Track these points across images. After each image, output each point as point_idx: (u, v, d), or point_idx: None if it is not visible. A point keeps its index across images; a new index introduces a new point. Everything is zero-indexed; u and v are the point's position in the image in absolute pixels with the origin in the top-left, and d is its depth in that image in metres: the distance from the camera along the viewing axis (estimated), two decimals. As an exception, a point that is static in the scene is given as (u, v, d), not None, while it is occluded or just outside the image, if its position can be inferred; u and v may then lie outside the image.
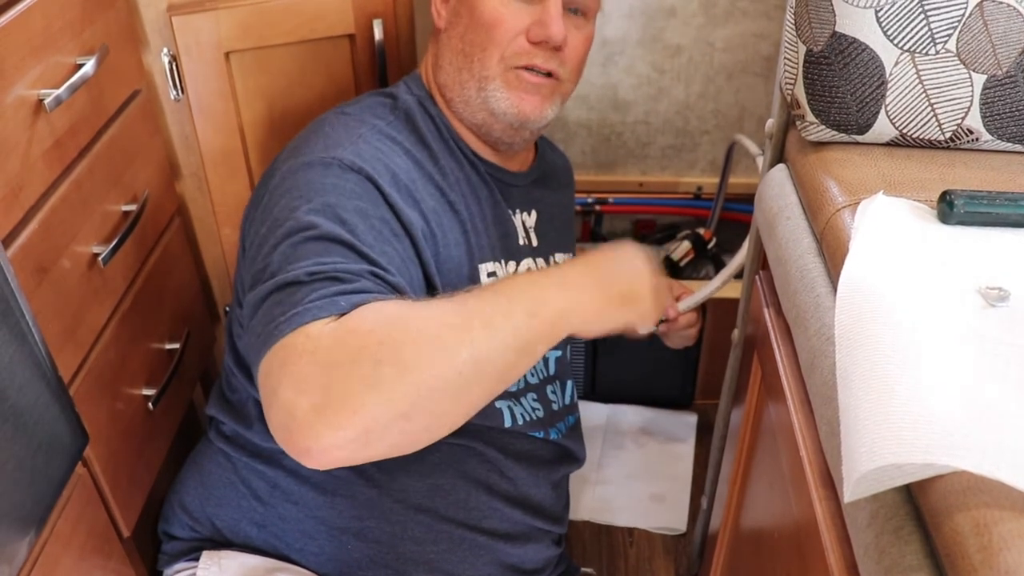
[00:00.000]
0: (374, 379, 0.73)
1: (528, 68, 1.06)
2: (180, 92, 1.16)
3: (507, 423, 1.09)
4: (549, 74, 1.07)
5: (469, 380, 0.77)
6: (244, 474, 1.09)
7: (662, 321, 1.28)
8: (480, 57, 1.06)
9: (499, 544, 1.10)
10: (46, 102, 0.86)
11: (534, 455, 1.15)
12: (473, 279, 1.05)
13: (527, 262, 1.15)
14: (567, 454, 1.22)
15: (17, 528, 0.78)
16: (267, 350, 0.78)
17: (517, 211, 1.16)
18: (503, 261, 1.10)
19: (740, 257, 1.19)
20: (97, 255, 0.97)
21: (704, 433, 1.70)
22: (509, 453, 1.11)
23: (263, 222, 0.92)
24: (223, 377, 1.14)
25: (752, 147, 1.40)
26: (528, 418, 1.13)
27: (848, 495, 0.52)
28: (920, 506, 0.52)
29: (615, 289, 0.90)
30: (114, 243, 0.99)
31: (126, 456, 1.04)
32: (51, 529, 0.85)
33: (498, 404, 1.09)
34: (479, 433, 1.07)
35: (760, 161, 1.21)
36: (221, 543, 1.10)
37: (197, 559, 1.08)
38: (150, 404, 1.10)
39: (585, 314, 0.87)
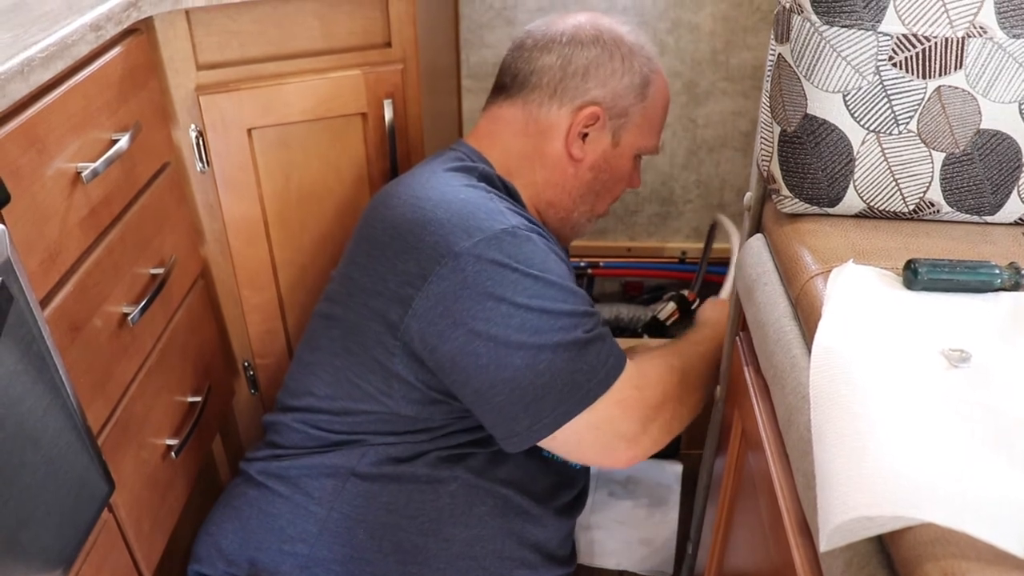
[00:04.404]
0: None
1: None
2: (206, 165, 1.18)
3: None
4: None
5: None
6: (302, 520, 1.07)
7: None
8: (606, 199, 1.28)
9: None
10: (83, 175, 0.87)
11: (561, 502, 1.17)
12: None
13: None
14: (584, 490, 1.27)
15: (46, 571, 0.77)
16: None
17: None
18: None
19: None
20: (127, 315, 0.97)
21: (689, 482, 1.68)
22: (542, 501, 1.13)
23: None
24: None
25: (730, 228, 1.49)
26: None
27: (823, 544, 0.52)
28: (892, 555, 0.52)
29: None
30: (142, 304, 0.99)
31: (149, 502, 1.03)
32: (76, 572, 0.84)
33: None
34: (522, 483, 1.11)
35: (735, 240, 1.38)
36: None
37: None
38: (173, 453, 1.09)
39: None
